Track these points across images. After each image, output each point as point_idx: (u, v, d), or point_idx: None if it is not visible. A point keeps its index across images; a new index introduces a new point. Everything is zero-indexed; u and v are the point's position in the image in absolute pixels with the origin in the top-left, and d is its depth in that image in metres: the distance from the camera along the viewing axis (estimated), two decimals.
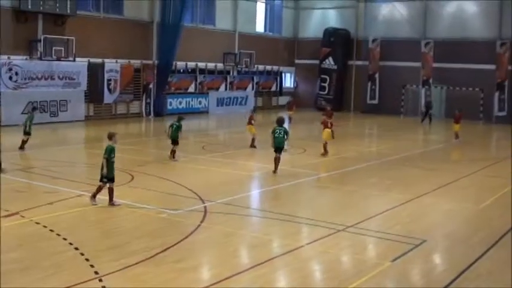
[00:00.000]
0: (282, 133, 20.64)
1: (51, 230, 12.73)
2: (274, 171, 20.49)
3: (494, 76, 44.44)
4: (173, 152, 22.60)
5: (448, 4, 47.37)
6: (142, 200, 15.79)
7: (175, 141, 22.60)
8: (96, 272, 10.25)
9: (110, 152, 15.10)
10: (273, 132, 20.70)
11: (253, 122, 26.77)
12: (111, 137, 15.49)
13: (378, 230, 13.61)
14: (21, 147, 23.67)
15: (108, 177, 15.00)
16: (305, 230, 13.83)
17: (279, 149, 20.62)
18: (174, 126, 22.66)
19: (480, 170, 22.83)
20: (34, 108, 27.14)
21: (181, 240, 12.33)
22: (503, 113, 44.44)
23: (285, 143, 20.96)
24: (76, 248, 11.54)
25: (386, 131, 37.86)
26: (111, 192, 15.04)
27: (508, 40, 43.94)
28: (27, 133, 23.87)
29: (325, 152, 24.45)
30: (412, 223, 14.46)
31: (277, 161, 20.54)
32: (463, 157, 26.97)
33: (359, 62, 51.18)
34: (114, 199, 15.12)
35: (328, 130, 24.64)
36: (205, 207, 15.28)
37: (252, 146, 26.25)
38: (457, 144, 30.40)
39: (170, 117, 39.13)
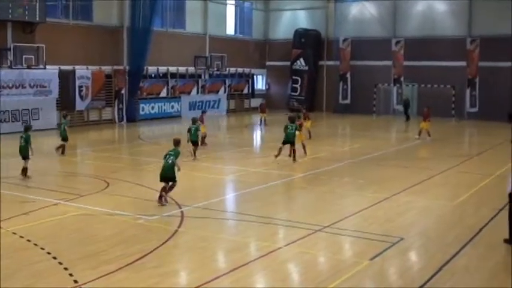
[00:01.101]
0: (294, 129, 23.52)
1: (28, 240, 12.65)
2: (294, 160, 23.48)
3: (465, 73, 44.83)
4: (194, 151, 24.15)
5: (418, 3, 47.69)
6: (118, 206, 15.76)
7: (195, 143, 24.22)
8: (75, 281, 10.23)
9: (178, 156, 16.52)
10: (286, 128, 23.63)
11: (202, 122, 27.68)
12: (178, 143, 16.97)
13: (354, 229, 13.73)
14: (62, 153, 24.86)
15: (174, 178, 16.13)
16: (282, 232, 13.91)
17: (291, 142, 23.38)
18: (193, 129, 24.25)
19: (454, 166, 23.11)
20: (66, 115, 28.04)
21: (160, 246, 12.33)
22: (475, 109, 44.91)
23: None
24: (54, 257, 11.49)
25: (359, 131, 38.10)
26: (168, 190, 16.11)
27: (478, 37, 44.37)
28: (64, 139, 25.07)
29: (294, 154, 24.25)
30: (388, 222, 14.59)
31: (293, 152, 23.54)
32: (437, 154, 27.18)
33: (330, 62, 51.39)
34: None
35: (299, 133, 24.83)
36: (182, 212, 15.27)
37: (203, 144, 26.87)
38: (424, 142, 30.62)
39: (143, 122, 39.20)
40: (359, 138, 33.05)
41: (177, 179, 16.18)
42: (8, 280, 10.31)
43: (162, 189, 16.10)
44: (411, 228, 14.17)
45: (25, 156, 20.29)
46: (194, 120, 25.01)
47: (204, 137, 27.42)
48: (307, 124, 30.28)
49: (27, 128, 21.36)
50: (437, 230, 14.17)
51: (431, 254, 12.07)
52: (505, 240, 12.56)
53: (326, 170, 22.12)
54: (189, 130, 24.37)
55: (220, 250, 12.52)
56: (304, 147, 24.89)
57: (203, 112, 30.02)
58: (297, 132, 24.44)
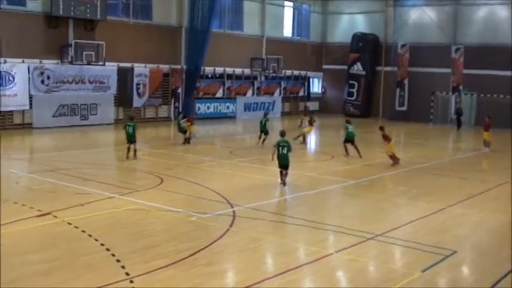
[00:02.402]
0: (352, 128, 26.08)
1: (83, 231, 12.94)
2: (360, 156, 25.68)
3: None
4: (263, 140, 28.57)
5: (479, 9, 46.67)
6: (171, 203, 15.95)
7: (266, 133, 28.71)
8: (127, 273, 10.39)
9: (290, 143, 19.36)
10: (346, 128, 26.15)
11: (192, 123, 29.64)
12: (284, 134, 19.80)
13: (407, 239, 13.49)
14: (186, 142, 28.34)
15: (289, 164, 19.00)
16: (333, 238, 13.79)
17: (351, 141, 25.86)
18: (263, 121, 28.85)
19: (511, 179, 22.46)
20: (179, 113, 31.60)
21: (210, 244, 12.42)
22: None
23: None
24: (107, 249, 11.72)
25: (414, 139, 37.54)
26: (284, 175, 19.01)
27: None
28: (183, 132, 28.60)
29: (396, 161, 24.46)
30: (441, 233, 14.29)
31: (356, 148, 25.87)
32: (493, 166, 26.61)
33: (388, 68, 50.89)
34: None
35: (391, 143, 24.68)
36: (233, 211, 15.34)
37: (187, 142, 28.45)
38: (486, 153, 30.01)
39: (198, 121, 39.35)
40: (414, 147, 32.58)
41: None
42: (63, 269, 10.59)
43: (280, 173, 19.00)
44: (465, 241, 13.85)
45: (133, 141, 23.41)
46: (265, 114, 30.02)
47: (189, 137, 28.68)
48: (307, 129, 30.74)
49: (132, 117, 25.19)
50: (492, 244, 13.80)
51: (485, 269, 11.73)
52: None
53: (379, 178, 21.92)
54: (261, 122, 28.91)
55: (270, 252, 12.52)
56: (393, 156, 24.60)
57: (188, 115, 31.89)
58: (391, 142, 24.27)
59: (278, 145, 19.03)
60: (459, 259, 12.34)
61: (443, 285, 11.06)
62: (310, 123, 31.56)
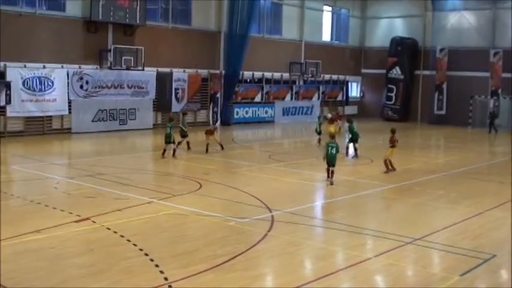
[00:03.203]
0: (356, 128, 27.15)
1: (121, 236, 13.05)
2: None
3: None
4: (319, 140, 30.34)
5: None
6: (210, 207, 16.03)
7: (319, 133, 30.76)
8: (166, 278, 10.44)
9: (338, 146, 20.59)
10: (351, 128, 26.92)
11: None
12: (334, 136, 21.09)
13: (446, 243, 13.38)
14: (188, 148, 27.26)
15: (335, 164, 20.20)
16: (372, 242, 13.70)
17: (356, 140, 26.65)
18: (320, 120, 31.76)
19: None
20: (184, 114, 31.02)
21: (249, 249, 12.43)
22: None
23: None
24: (146, 254, 11.79)
25: (453, 143, 37.15)
26: (332, 174, 20.15)
27: None
28: (184, 136, 26.98)
29: (389, 169, 23.00)
30: (480, 237, 14.14)
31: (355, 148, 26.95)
32: None
33: (426, 72, 50.44)
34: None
35: (393, 149, 23.74)
36: (272, 216, 15.35)
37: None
38: None
39: (237, 126, 39.65)
40: (453, 151, 32.26)
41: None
42: (103, 274, 10.68)
43: (327, 171, 20.10)
44: (505, 245, 13.59)
45: (168, 142, 24.84)
46: (319, 117, 32.92)
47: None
48: (330, 128, 29.31)
49: (172, 119, 26.42)
50: None
51: None
52: None
53: (418, 182, 21.70)
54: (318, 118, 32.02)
55: (309, 257, 12.50)
56: (387, 163, 23.29)
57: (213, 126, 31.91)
58: (393, 148, 23.45)
59: (327, 146, 20.23)
60: (499, 263, 12.18)
61: None
62: (331, 122, 31.63)
